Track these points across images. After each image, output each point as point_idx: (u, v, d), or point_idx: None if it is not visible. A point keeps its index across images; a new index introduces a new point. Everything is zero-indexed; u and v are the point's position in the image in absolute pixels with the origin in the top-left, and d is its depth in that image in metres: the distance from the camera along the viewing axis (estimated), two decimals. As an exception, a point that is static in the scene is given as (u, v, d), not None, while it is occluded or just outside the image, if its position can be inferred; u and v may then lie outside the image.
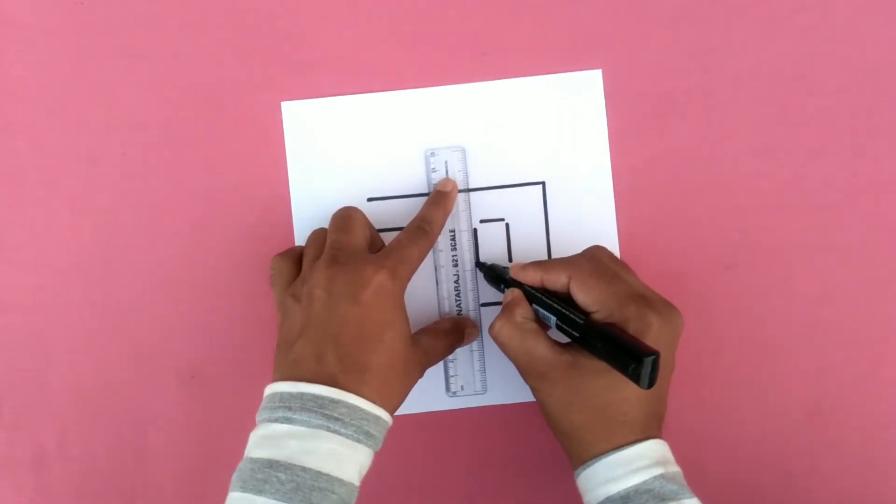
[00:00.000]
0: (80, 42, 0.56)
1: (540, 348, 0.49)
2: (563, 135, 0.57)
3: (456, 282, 0.56)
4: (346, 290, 0.47)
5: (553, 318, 0.49)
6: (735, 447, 0.57)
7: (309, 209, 0.56)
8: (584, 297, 0.49)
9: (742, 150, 0.57)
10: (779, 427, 0.57)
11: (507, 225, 0.57)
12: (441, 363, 0.56)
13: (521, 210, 0.57)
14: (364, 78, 0.57)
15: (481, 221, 0.57)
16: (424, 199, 0.56)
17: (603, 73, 0.57)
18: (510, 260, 0.57)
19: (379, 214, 0.56)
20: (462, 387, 0.57)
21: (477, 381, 0.57)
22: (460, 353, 0.57)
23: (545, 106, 0.57)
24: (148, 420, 0.57)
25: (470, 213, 0.57)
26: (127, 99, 0.56)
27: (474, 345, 0.56)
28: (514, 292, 0.52)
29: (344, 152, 0.57)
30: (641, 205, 0.57)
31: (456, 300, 0.57)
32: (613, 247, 0.57)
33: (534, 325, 0.50)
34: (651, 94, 0.57)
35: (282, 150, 0.57)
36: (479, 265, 0.56)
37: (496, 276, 0.54)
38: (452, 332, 0.54)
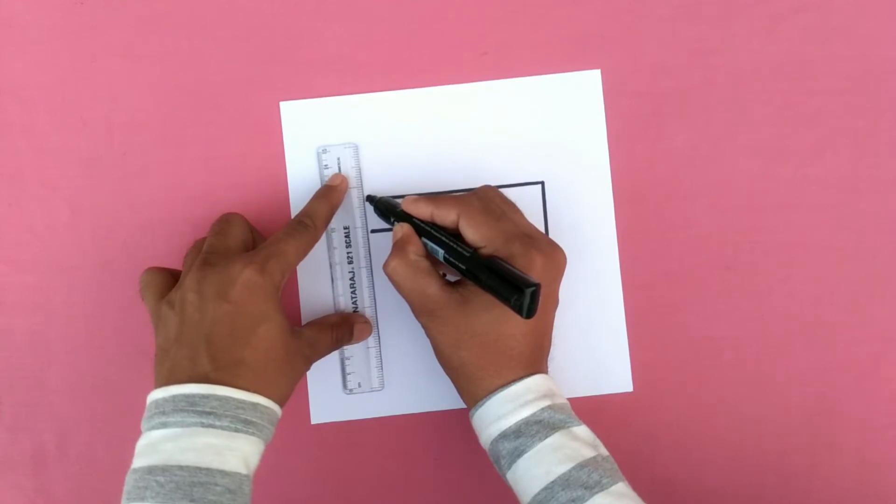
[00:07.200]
0: (80, 42, 0.56)
1: (432, 287, 0.50)
2: (563, 135, 0.57)
3: (351, 279, 0.56)
4: (215, 289, 0.47)
5: (441, 252, 0.50)
6: (735, 447, 0.57)
7: (308, 209, 0.56)
8: (473, 233, 0.49)
9: (742, 150, 0.57)
10: (779, 427, 0.57)
11: (506, 225, 0.57)
12: (338, 360, 0.56)
13: (521, 209, 0.57)
14: (363, 78, 0.57)
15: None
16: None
17: (602, 73, 0.57)
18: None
19: (378, 214, 0.56)
20: (359, 384, 0.57)
21: (374, 378, 0.57)
22: (357, 349, 0.56)
23: (545, 106, 0.57)
24: (148, 420, 0.57)
25: (364, 210, 0.56)
26: (127, 99, 0.57)
27: (370, 341, 0.56)
28: (404, 227, 0.51)
29: (342, 152, 0.57)
30: (641, 205, 0.57)
31: (352, 297, 0.56)
32: (613, 247, 0.57)
33: (426, 264, 0.51)
34: (651, 94, 0.57)
35: (281, 150, 0.57)
36: (369, 198, 0.55)
37: (386, 208, 0.54)
38: (339, 326, 0.54)
